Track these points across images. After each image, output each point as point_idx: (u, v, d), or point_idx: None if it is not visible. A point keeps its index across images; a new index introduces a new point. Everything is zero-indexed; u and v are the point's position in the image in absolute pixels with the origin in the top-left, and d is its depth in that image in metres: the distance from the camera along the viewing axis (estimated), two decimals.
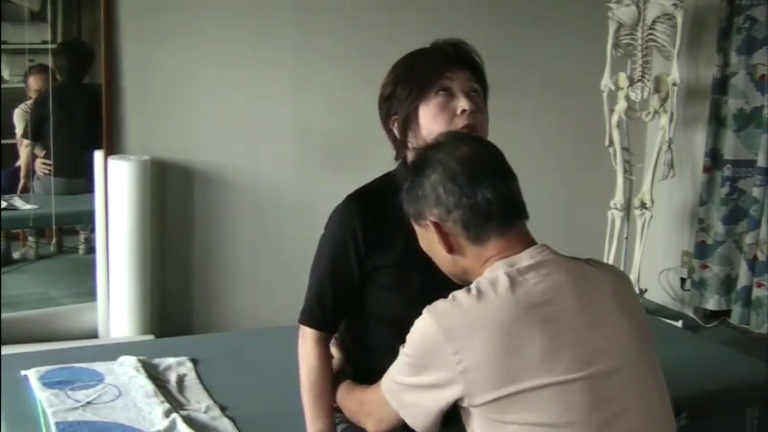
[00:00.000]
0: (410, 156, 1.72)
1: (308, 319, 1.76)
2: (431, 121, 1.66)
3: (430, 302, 1.45)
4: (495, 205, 1.42)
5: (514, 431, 1.33)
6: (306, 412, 1.75)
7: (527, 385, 1.31)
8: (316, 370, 1.74)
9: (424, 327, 1.38)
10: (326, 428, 1.73)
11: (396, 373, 1.46)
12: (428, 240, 1.50)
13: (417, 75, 1.69)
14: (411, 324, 1.43)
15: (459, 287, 1.43)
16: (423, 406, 1.41)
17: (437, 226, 1.45)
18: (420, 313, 1.41)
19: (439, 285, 1.50)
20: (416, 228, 1.52)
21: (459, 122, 1.66)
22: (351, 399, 1.70)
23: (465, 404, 1.36)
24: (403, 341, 1.45)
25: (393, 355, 1.49)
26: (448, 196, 1.43)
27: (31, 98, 3.66)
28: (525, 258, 1.41)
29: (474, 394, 1.34)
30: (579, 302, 1.39)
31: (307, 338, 1.76)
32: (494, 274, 1.40)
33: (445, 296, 1.43)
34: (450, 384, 1.35)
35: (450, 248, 1.46)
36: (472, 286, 1.39)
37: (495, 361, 1.32)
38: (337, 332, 1.83)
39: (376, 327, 1.76)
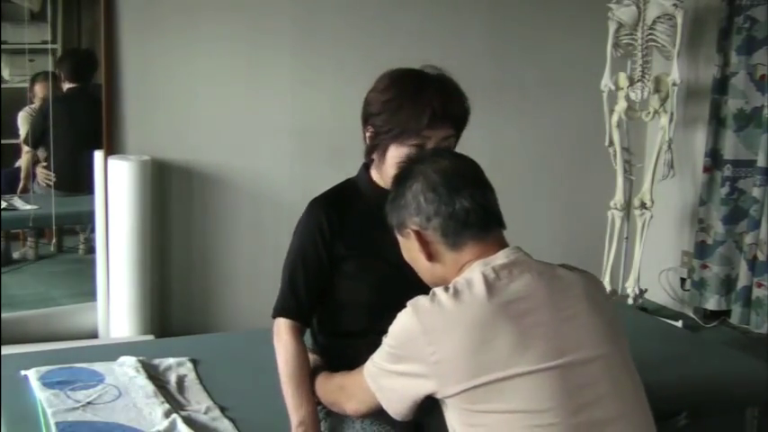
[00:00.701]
0: (373, 167, 1.86)
1: (282, 310, 1.86)
2: (395, 164, 1.73)
3: (392, 287, 1.61)
4: (473, 214, 1.51)
5: (491, 420, 1.39)
6: (287, 402, 1.80)
7: (497, 375, 1.37)
8: (294, 359, 1.82)
9: (406, 320, 1.47)
10: (309, 415, 1.78)
11: (378, 359, 1.54)
12: (410, 250, 1.59)
13: (400, 121, 1.75)
14: (376, 308, 1.57)
15: (416, 275, 1.57)
16: (398, 392, 1.50)
17: (418, 234, 1.54)
18: (383, 298, 1.55)
19: (399, 272, 1.64)
20: (399, 238, 1.61)
21: None
22: (330, 385, 1.77)
23: (439, 396, 1.44)
24: (370, 326, 1.60)
25: (363, 339, 1.64)
26: (428, 204, 1.52)
27: (33, 103, 3.66)
28: (500, 258, 1.49)
29: (446, 386, 1.41)
30: (551, 300, 1.45)
31: (282, 330, 1.85)
32: (470, 274, 1.47)
33: (404, 282, 1.59)
34: (424, 377, 1.43)
35: (430, 256, 1.54)
36: (450, 285, 1.47)
37: (467, 354, 1.39)
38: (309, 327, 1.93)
39: (345, 313, 1.87)
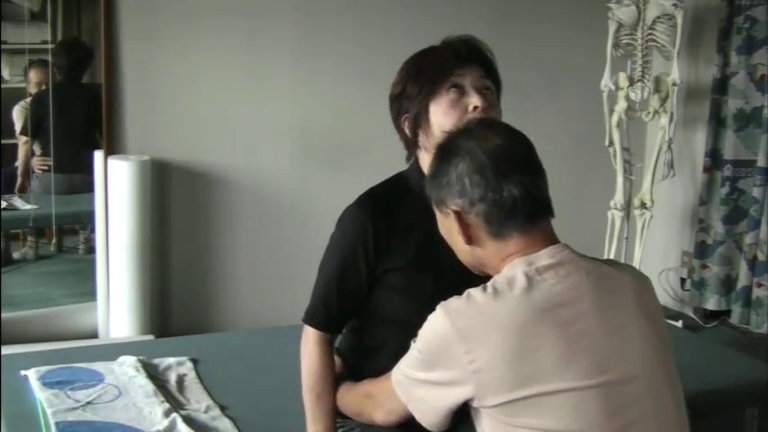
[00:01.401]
0: (422, 156, 1.70)
1: (311, 319, 1.74)
2: (442, 119, 1.63)
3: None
4: (521, 202, 1.38)
5: None
6: (306, 413, 1.73)
7: (540, 390, 1.28)
8: (316, 370, 1.72)
9: (437, 323, 1.35)
10: (326, 430, 1.71)
11: (406, 367, 1.43)
12: (447, 228, 1.46)
13: (427, 72, 1.67)
14: (421, 326, 1.39)
15: (472, 284, 1.39)
16: (432, 402, 1.38)
17: (459, 216, 1.41)
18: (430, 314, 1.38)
19: (452, 287, 1.45)
20: (437, 213, 1.48)
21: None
22: (356, 393, 1.67)
23: (475, 404, 1.34)
24: (406, 342, 1.43)
25: (400, 356, 1.47)
26: (473, 188, 1.39)
27: (30, 95, 3.66)
28: (544, 257, 1.38)
29: (485, 395, 1.31)
30: (598, 305, 1.35)
31: (309, 339, 1.74)
32: (512, 272, 1.36)
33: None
34: (461, 384, 1.32)
35: (470, 239, 1.42)
36: (488, 285, 1.35)
37: (509, 363, 1.29)
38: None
39: (384, 329, 1.73)
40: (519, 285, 1.33)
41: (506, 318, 1.31)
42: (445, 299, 1.38)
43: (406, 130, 1.71)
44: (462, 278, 1.48)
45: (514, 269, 1.36)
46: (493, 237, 1.40)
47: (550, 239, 1.43)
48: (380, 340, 1.74)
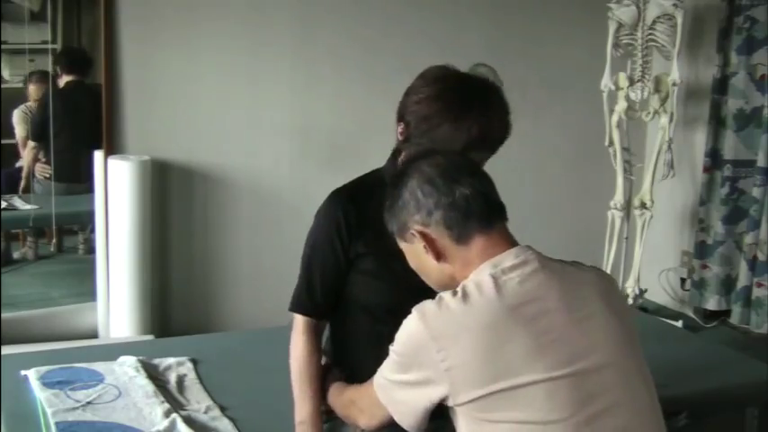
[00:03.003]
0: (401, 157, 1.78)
1: (296, 305, 1.84)
2: None
3: (411, 289, 1.52)
4: (474, 201, 1.45)
5: (500, 429, 1.35)
6: (294, 398, 1.80)
7: (511, 383, 1.33)
8: (302, 356, 1.80)
9: (412, 326, 1.41)
10: (311, 414, 1.77)
11: (386, 371, 1.49)
12: (416, 255, 1.52)
13: (436, 140, 1.69)
14: (394, 309, 1.48)
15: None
16: (409, 403, 1.44)
17: (422, 234, 1.47)
18: (402, 298, 1.47)
19: (417, 275, 1.56)
20: (403, 245, 1.55)
21: None
22: (342, 399, 1.73)
23: (450, 403, 1.39)
24: (386, 327, 1.50)
25: (378, 341, 1.56)
26: (426, 198, 1.46)
27: (35, 101, 3.66)
28: (509, 258, 1.43)
29: (458, 393, 1.36)
30: (564, 301, 1.40)
31: (297, 328, 1.83)
32: (479, 277, 1.42)
33: (426, 284, 1.51)
34: (435, 383, 1.38)
35: (438, 255, 1.48)
36: (458, 288, 1.41)
37: (479, 360, 1.34)
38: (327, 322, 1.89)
39: (361, 314, 1.81)
40: (487, 288, 1.39)
41: (476, 319, 1.36)
42: (414, 283, 1.51)
43: (398, 134, 1.78)
44: None
45: (481, 273, 1.42)
46: (456, 242, 1.46)
47: (511, 241, 1.48)
48: (357, 325, 1.82)
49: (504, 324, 1.36)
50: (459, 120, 1.70)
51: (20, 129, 3.67)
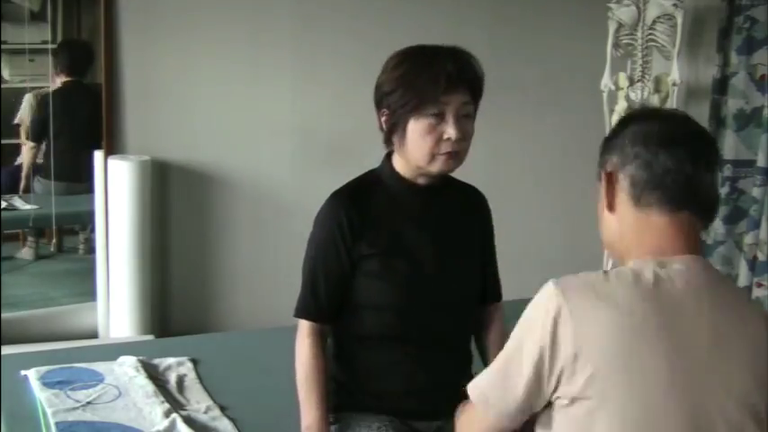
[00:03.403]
0: (395, 156, 1.80)
1: (301, 310, 1.83)
2: (418, 138, 1.72)
3: (417, 289, 1.53)
4: (670, 176, 1.37)
5: None
6: (300, 404, 1.78)
7: (627, 395, 1.25)
8: (307, 361, 1.79)
9: (546, 292, 1.34)
10: (318, 420, 1.75)
11: (484, 380, 1.39)
12: (599, 197, 1.49)
13: (416, 90, 1.72)
14: (400, 310, 1.48)
15: (446, 274, 1.43)
16: (511, 390, 1.33)
17: (609, 177, 1.45)
18: (407, 299, 1.47)
19: (426, 272, 1.59)
20: (598, 186, 1.50)
21: (444, 147, 1.72)
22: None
23: (559, 393, 1.29)
24: (391, 327, 1.49)
25: (383, 344, 1.57)
26: (633, 147, 1.41)
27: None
28: (678, 262, 1.35)
29: (573, 381, 1.27)
30: (715, 332, 1.30)
31: (303, 332, 1.82)
32: (640, 266, 1.34)
33: (431, 284, 1.50)
34: (554, 359, 1.28)
35: (611, 206, 1.45)
36: (611, 270, 1.35)
37: (610, 356, 1.26)
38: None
39: (365, 316, 1.80)
40: (645, 280, 1.31)
41: (620, 301, 1.28)
42: (419, 284, 1.48)
43: (383, 124, 1.80)
44: (437, 264, 1.59)
45: (645, 265, 1.34)
46: (634, 201, 1.40)
47: (690, 245, 1.38)
48: (364, 327, 1.80)
49: (644, 328, 1.28)
50: (431, 64, 1.73)
51: (24, 118, 3.67)
